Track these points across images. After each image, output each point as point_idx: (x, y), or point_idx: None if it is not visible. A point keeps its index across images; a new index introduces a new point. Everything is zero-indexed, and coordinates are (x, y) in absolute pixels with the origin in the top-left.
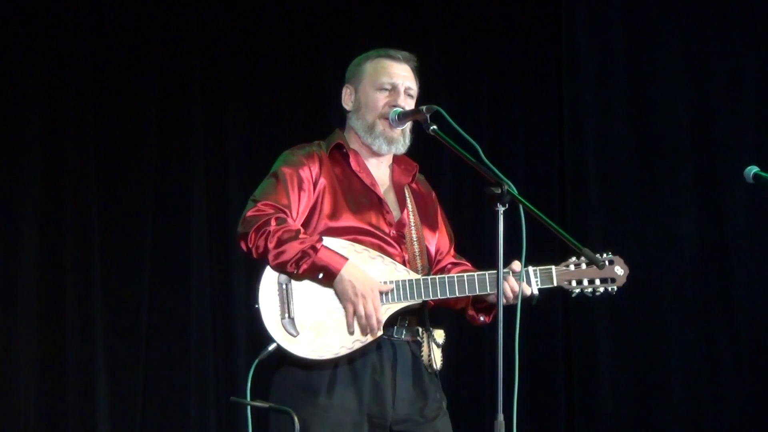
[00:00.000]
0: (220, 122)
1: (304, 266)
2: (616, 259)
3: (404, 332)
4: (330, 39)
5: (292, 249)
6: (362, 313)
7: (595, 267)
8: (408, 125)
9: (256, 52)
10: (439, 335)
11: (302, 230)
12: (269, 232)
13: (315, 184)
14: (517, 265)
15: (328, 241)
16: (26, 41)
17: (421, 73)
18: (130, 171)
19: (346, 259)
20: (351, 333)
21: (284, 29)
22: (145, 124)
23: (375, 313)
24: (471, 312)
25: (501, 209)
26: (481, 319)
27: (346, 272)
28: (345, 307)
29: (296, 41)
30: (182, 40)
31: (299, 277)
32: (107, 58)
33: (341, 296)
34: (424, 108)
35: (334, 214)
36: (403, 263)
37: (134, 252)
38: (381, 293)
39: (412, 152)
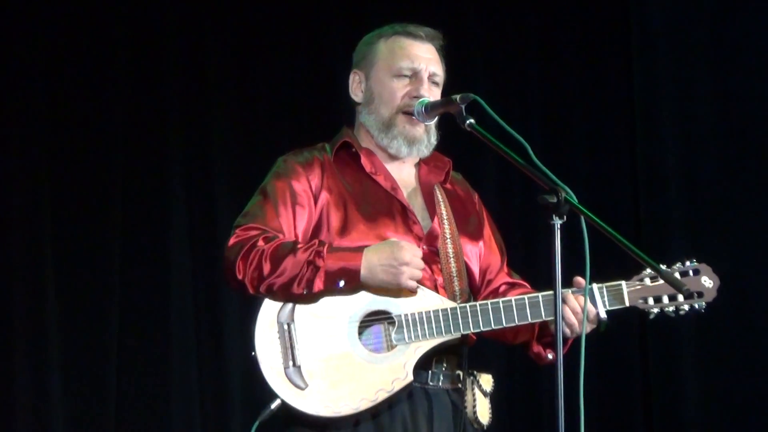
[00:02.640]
0: (204, 120)
1: (318, 281)
2: (703, 267)
3: (441, 378)
4: (341, 16)
5: (294, 264)
6: (417, 274)
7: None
8: (435, 120)
9: (248, 34)
10: (486, 381)
11: (299, 241)
12: (260, 253)
13: (316, 198)
14: (579, 282)
15: None
16: None
17: (450, 54)
18: (93, 187)
19: (361, 249)
20: (414, 292)
21: (284, 4)
22: (110, 120)
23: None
24: (536, 348)
25: (558, 222)
26: (549, 357)
27: (368, 261)
28: (399, 290)
29: (299, 20)
30: (156, 18)
31: (314, 297)
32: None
33: (386, 288)
34: (458, 97)
35: (344, 231)
36: (435, 288)
37: (99, 287)
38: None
39: (448, 151)
